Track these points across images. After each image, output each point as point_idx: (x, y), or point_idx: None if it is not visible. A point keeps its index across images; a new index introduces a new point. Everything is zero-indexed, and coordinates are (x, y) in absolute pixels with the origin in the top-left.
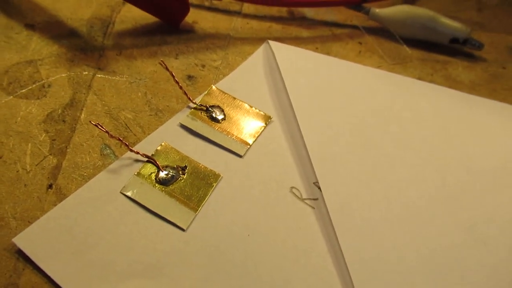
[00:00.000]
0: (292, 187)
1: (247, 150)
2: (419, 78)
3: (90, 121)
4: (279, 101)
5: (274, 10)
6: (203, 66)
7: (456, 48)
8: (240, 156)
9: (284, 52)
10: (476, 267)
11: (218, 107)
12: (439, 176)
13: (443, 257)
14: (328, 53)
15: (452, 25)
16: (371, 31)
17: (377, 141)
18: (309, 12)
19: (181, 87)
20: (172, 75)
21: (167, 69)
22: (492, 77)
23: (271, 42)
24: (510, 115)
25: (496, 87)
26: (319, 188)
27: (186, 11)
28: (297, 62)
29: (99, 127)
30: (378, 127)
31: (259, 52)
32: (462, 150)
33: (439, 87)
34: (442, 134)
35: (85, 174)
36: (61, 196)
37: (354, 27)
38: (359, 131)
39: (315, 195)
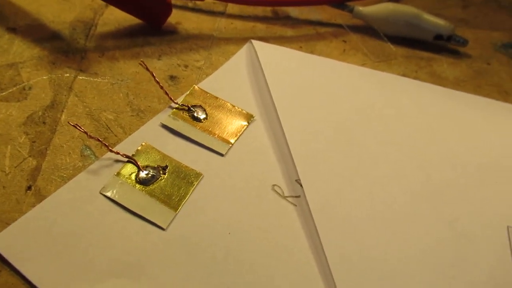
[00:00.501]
0: (274, 185)
1: (229, 149)
2: (404, 75)
3: (68, 122)
4: (262, 100)
5: (258, 10)
6: (186, 66)
7: (440, 45)
8: (222, 155)
9: (267, 51)
10: (459, 262)
11: (200, 106)
12: (423, 172)
13: (426, 253)
14: (312, 52)
15: (436, 22)
16: (356, 29)
17: (361, 139)
18: (294, 11)
19: (162, 87)
20: (153, 75)
21: (147, 69)
22: (477, 73)
23: (254, 41)
24: (494, 111)
25: (481, 83)
26: (301, 185)
27: (168, 12)
28: (281, 61)
29: (78, 127)
30: (361, 124)
31: (242, 52)
32: (447, 146)
33: (423, 83)
34: (426, 130)
35: (64, 175)
36: (40, 197)
37: (338, 25)
38: (342, 128)
39: (297, 193)
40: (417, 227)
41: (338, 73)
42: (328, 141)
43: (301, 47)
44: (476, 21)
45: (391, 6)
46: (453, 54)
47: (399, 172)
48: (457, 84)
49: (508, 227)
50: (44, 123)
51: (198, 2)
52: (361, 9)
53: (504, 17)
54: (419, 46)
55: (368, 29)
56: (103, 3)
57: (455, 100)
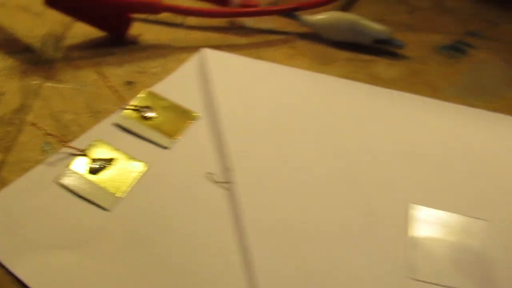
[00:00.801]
0: (209, 173)
1: (173, 143)
2: (345, 77)
3: (31, 122)
4: (208, 101)
5: (215, 21)
6: (143, 72)
7: (380, 48)
8: (166, 148)
9: (216, 57)
10: (367, 238)
11: (150, 107)
12: (343, 160)
13: (341, 230)
14: (261, 58)
15: (374, 27)
16: (303, 36)
17: (293, 134)
18: (248, 21)
19: (115, 91)
20: (106, 80)
21: (101, 74)
22: (412, 72)
23: (204, 49)
24: (417, 105)
25: (414, 81)
26: (232, 173)
27: (128, 25)
28: (228, 66)
29: (37, 126)
30: (295, 121)
31: (194, 59)
32: (367, 136)
33: (358, 83)
34: (352, 124)
35: (26, 167)
36: (4, 186)
37: (288, 33)
38: (277, 125)
39: (229, 180)
40: (334, 209)
41: (280, 76)
42: (263, 136)
43: (251, 53)
44: (420, 25)
45: (335, 14)
46: (392, 56)
47: (323, 162)
48: (392, 83)
49: (409, 204)
50: (12, 123)
51: (159, 16)
52: (308, 17)
53: (448, 21)
54: (360, 50)
55: (314, 35)
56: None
57: (382, 97)
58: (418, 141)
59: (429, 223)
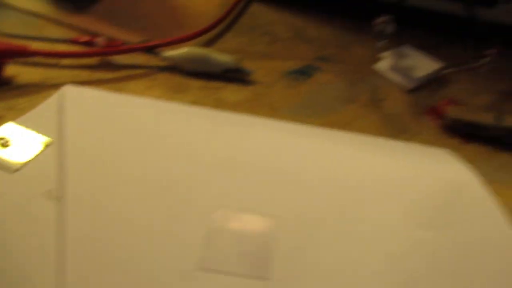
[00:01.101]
0: (47, 190)
1: (23, 167)
2: (195, 103)
3: None
4: (62, 131)
5: (87, 61)
6: (11, 109)
7: (230, 76)
8: (16, 171)
9: (75, 92)
10: (171, 244)
11: (7, 137)
12: (174, 179)
13: (153, 242)
14: (123, 90)
15: (223, 58)
16: (164, 69)
17: (133, 157)
18: (117, 58)
19: None
20: None
21: None
22: (256, 96)
23: (66, 85)
24: (247, 124)
25: (256, 104)
26: (66, 192)
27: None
28: (86, 98)
29: None
30: (139, 145)
31: (56, 94)
32: (197, 153)
33: (202, 108)
34: (189, 143)
35: None
36: None
37: (150, 67)
38: (120, 149)
39: (62, 196)
40: (152, 219)
41: (132, 105)
42: (105, 160)
43: (115, 87)
44: (277, 54)
45: (190, 49)
46: (241, 83)
47: (154, 181)
48: (235, 107)
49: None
50: None
51: (35, 58)
52: (168, 53)
53: (304, 49)
54: (213, 78)
55: (173, 68)
56: None
57: (220, 119)
58: (236, 154)
59: (223, 223)
